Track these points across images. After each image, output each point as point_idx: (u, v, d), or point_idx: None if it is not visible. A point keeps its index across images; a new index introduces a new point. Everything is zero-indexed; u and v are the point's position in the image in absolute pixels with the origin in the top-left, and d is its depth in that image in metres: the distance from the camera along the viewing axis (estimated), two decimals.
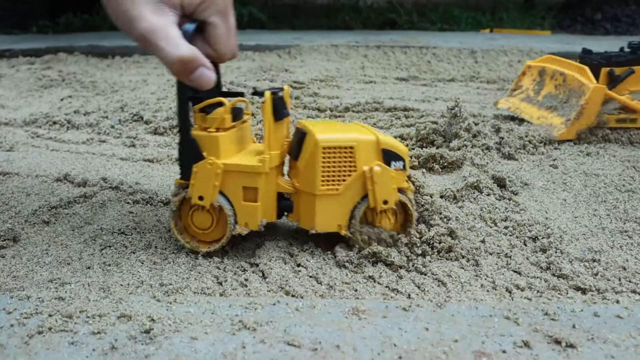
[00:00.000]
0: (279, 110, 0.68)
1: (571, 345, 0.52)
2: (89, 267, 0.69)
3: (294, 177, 0.71)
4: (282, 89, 0.70)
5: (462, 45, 2.69)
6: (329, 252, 0.72)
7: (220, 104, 0.68)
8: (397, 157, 0.69)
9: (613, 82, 1.25)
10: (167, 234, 0.76)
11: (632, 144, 1.17)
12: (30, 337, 0.53)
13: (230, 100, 0.70)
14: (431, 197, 0.78)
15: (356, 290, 0.64)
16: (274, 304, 0.59)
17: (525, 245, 0.75)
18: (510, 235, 0.77)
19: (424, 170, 1.00)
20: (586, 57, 1.30)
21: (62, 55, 2.48)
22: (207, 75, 0.63)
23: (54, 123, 1.37)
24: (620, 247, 0.74)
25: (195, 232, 0.72)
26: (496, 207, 0.85)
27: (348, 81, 1.93)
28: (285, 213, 0.73)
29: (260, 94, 0.68)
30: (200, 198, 0.68)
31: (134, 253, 0.72)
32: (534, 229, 0.78)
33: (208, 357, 0.50)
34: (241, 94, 0.72)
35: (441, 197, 0.87)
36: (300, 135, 0.70)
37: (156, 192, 0.91)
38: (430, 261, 0.70)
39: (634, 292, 0.63)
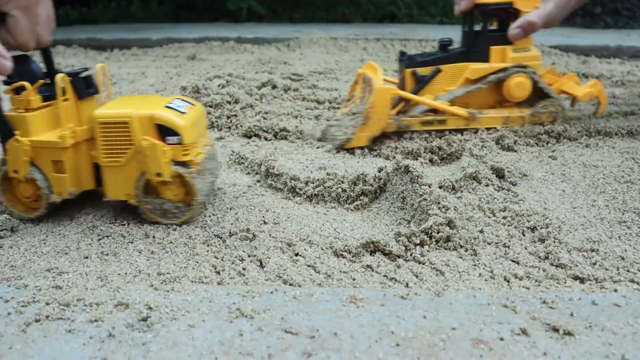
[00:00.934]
0: (81, 89, 0.77)
1: (569, 333, 0.52)
2: (86, 257, 0.69)
3: None
4: (87, 69, 0.79)
5: None
6: (327, 242, 0.72)
7: (24, 87, 0.74)
8: (172, 132, 0.73)
9: (419, 83, 1.17)
10: (164, 224, 0.76)
11: (631, 135, 1.16)
12: (28, 325, 0.53)
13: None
14: (429, 187, 0.78)
15: (354, 279, 0.64)
16: (272, 292, 0.59)
17: (524, 235, 0.75)
18: (509, 225, 0.77)
19: (423, 160, 1.00)
20: (400, 60, 1.22)
21: (60, 48, 2.47)
22: (2, 63, 0.69)
23: None
24: (619, 237, 0.74)
25: (24, 201, 0.79)
26: (495, 198, 0.85)
27: (347, 73, 1.92)
28: None
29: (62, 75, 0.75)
30: (16, 172, 0.76)
31: (131, 243, 0.72)
32: (533, 219, 0.78)
33: (205, 345, 0.50)
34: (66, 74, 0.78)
35: (440, 187, 0.87)
36: None
37: None
38: (428, 250, 0.70)
39: (632, 281, 0.63)
